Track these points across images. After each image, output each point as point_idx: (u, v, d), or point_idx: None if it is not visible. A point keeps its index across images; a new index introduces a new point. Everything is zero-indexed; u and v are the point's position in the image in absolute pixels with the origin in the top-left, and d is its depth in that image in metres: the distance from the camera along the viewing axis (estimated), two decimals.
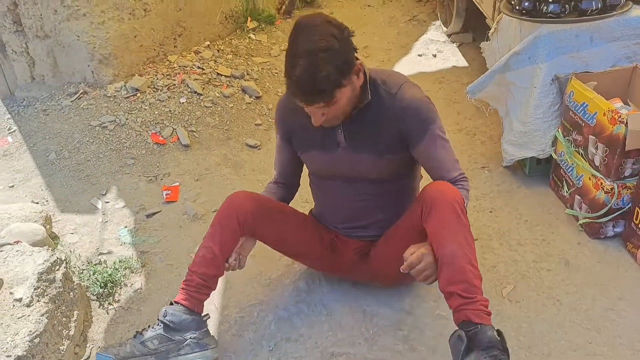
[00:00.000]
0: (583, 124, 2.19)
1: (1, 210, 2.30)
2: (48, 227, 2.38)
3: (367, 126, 1.71)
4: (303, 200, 2.37)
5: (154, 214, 2.51)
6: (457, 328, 1.53)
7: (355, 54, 1.60)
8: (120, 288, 2.12)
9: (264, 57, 3.71)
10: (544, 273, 2.08)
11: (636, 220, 2.08)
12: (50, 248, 2.11)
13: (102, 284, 2.09)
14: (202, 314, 1.79)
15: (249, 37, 3.88)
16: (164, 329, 1.74)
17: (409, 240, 1.68)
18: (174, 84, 3.17)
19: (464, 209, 1.62)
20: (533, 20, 2.31)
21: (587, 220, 2.21)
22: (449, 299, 1.55)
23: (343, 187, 1.84)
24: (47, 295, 1.80)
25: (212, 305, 1.99)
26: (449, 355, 1.63)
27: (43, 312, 1.74)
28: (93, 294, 2.08)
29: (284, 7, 4.39)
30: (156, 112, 3.00)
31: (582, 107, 2.19)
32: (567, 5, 2.27)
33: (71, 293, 1.93)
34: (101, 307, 2.05)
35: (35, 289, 1.78)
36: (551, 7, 2.27)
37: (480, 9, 3.20)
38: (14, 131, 3.06)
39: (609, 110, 2.05)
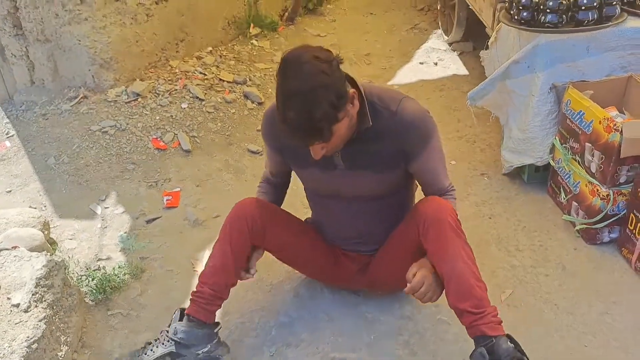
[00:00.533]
0: (580, 132, 2.22)
1: None
2: (46, 232, 2.38)
3: (366, 146, 1.66)
4: (304, 207, 2.38)
5: (154, 219, 2.51)
6: (474, 345, 1.58)
7: (347, 83, 1.54)
8: (119, 294, 2.12)
9: (266, 64, 3.73)
10: (541, 278, 2.10)
11: (631, 226, 2.10)
12: (49, 253, 2.11)
13: (101, 290, 2.09)
14: (214, 324, 1.78)
15: (252, 44, 3.91)
16: (176, 346, 1.73)
17: (406, 254, 1.72)
18: (176, 89, 3.18)
19: (459, 222, 1.65)
20: (531, 30, 2.34)
21: (584, 226, 2.23)
22: (461, 317, 1.60)
23: (341, 204, 1.82)
24: (45, 300, 1.80)
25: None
26: (449, 358, 1.65)
27: (41, 317, 1.74)
28: (91, 300, 2.08)
29: (286, 13, 4.42)
30: (157, 117, 3.01)
31: (578, 115, 2.21)
32: (564, 16, 2.31)
33: (69, 299, 1.93)
34: (100, 313, 2.05)
35: (33, 295, 1.78)
36: (549, 17, 2.30)
37: (481, 19, 3.24)
38: (12, 135, 3.06)
39: (604, 119, 2.08)
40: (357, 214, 1.82)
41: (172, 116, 3.03)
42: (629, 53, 2.36)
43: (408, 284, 1.64)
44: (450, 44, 4.04)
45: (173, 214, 2.55)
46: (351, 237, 1.89)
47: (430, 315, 1.94)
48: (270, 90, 3.47)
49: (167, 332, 1.76)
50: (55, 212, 2.59)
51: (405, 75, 3.77)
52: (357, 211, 1.81)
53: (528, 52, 2.34)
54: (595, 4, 2.28)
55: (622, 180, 2.13)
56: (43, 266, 1.87)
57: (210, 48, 3.67)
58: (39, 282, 1.81)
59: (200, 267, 2.22)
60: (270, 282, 2.12)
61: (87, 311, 2.04)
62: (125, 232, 2.44)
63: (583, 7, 2.29)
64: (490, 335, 1.54)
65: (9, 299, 1.77)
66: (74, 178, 2.76)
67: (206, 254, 2.29)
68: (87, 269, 2.22)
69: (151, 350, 1.75)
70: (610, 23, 2.32)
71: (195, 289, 1.78)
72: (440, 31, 4.25)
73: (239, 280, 1.81)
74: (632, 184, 2.10)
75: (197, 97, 3.15)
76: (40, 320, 1.72)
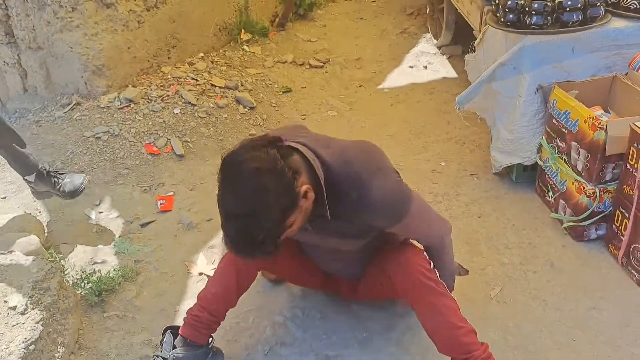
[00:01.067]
0: (566, 131, 2.26)
1: None
2: (41, 237, 2.39)
3: (332, 224, 1.53)
4: None
5: (148, 223, 2.54)
6: None
7: (302, 174, 1.39)
8: (115, 296, 2.14)
9: (257, 69, 3.77)
10: (530, 275, 2.14)
11: (617, 222, 2.15)
12: (44, 257, 2.13)
13: (97, 293, 2.11)
14: (209, 342, 1.79)
15: (243, 49, 3.94)
16: None
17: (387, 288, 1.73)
18: (168, 95, 3.21)
19: (429, 270, 1.62)
20: (517, 31, 2.39)
21: (571, 223, 2.28)
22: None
23: (320, 252, 1.81)
24: (41, 303, 1.82)
25: None
26: (439, 357, 1.68)
27: (38, 319, 1.76)
28: (87, 303, 2.10)
29: (277, 19, 4.45)
30: (150, 123, 3.04)
31: (564, 115, 2.26)
32: (549, 18, 2.36)
33: (65, 301, 1.95)
34: (96, 315, 2.07)
35: (29, 298, 1.80)
36: (534, 19, 2.35)
37: (468, 22, 3.29)
38: None
39: (589, 118, 2.12)
40: (333, 260, 1.83)
41: (164, 121, 3.05)
42: (613, 53, 2.42)
43: None
44: (439, 48, 4.10)
45: (167, 217, 2.57)
46: (335, 271, 1.91)
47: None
48: (261, 95, 3.51)
49: (164, 358, 1.75)
50: (50, 217, 2.60)
51: (396, 79, 3.82)
52: (334, 257, 1.80)
53: (514, 54, 2.39)
54: (579, 6, 2.34)
55: (607, 177, 2.17)
56: (39, 269, 1.90)
57: (201, 54, 3.70)
58: (35, 285, 1.84)
59: (195, 270, 2.26)
60: (264, 284, 2.15)
61: (84, 313, 2.06)
62: (119, 236, 2.46)
63: (567, 9, 2.34)
64: None
65: (5, 301, 1.79)
66: None
67: (200, 257, 2.33)
68: (83, 272, 2.24)
69: None
70: (594, 24, 2.38)
71: (193, 311, 1.76)
72: (429, 35, 4.30)
73: None
74: (618, 181, 2.15)
75: (190, 103, 3.18)
76: (37, 322, 1.74)
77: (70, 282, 2.17)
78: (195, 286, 2.17)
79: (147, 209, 2.62)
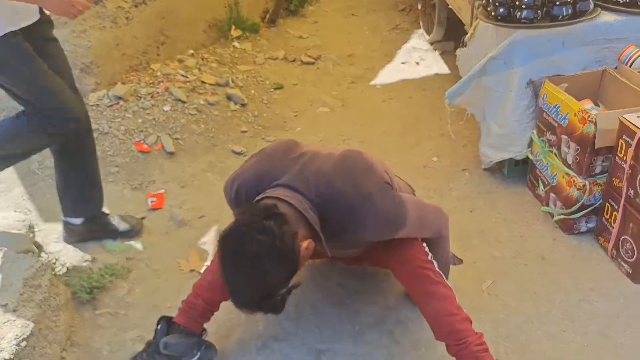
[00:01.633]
0: (556, 125, 2.28)
1: None
2: (31, 235, 2.37)
3: (336, 244, 1.62)
4: None
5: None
6: None
7: (301, 229, 1.45)
8: (106, 293, 2.13)
9: (248, 65, 3.76)
10: (521, 268, 2.15)
11: (606, 215, 2.17)
12: (35, 255, 2.12)
13: (88, 290, 2.10)
14: (203, 332, 1.81)
15: (233, 46, 3.93)
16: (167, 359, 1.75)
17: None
18: (158, 92, 3.19)
19: (427, 260, 1.67)
20: (508, 25, 2.40)
21: (562, 216, 2.29)
22: (448, 349, 1.67)
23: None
24: (32, 300, 1.81)
25: None
26: (431, 348, 1.69)
27: (29, 316, 1.75)
28: (79, 300, 2.09)
29: (268, 15, 4.44)
30: (140, 120, 3.02)
31: (554, 109, 2.27)
32: (539, 12, 2.37)
33: (57, 298, 1.94)
34: (87, 312, 2.06)
35: (20, 295, 1.79)
36: (524, 13, 2.36)
37: (460, 17, 3.30)
38: None
39: (579, 111, 2.14)
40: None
41: (154, 119, 3.04)
42: (603, 47, 2.43)
43: None
44: (431, 44, 4.10)
45: (158, 215, 2.56)
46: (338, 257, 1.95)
47: (413, 305, 1.97)
48: (252, 91, 3.50)
49: (156, 345, 1.76)
50: (40, 216, 2.58)
51: (388, 75, 3.82)
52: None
53: (505, 48, 2.40)
54: None
55: (597, 170, 2.19)
56: (30, 267, 1.89)
57: (191, 51, 3.69)
58: (26, 283, 1.82)
59: (187, 267, 2.25)
60: None
61: (75, 311, 2.05)
62: None
63: (557, 3, 2.36)
64: None
65: None
66: None
67: (192, 254, 2.32)
68: (74, 270, 2.23)
69: None
70: (584, 18, 2.39)
71: (188, 299, 1.79)
72: (421, 31, 4.31)
73: None
74: (607, 174, 2.16)
75: (180, 100, 3.16)
76: (28, 320, 1.73)
77: (61, 279, 2.16)
78: (187, 283, 2.14)
79: (137, 207, 2.61)
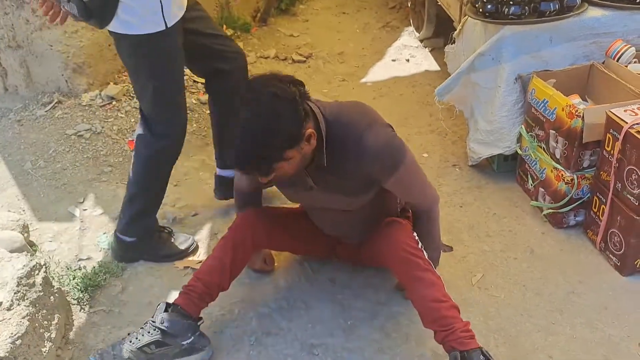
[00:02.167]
0: (544, 120, 2.30)
1: None
2: (26, 235, 2.38)
3: (334, 174, 1.67)
4: None
5: None
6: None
7: (308, 120, 1.54)
8: (101, 292, 2.14)
9: None
10: (510, 261, 2.18)
11: (595, 208, 2.20)
12: (29, 254, 2.13)
13: (82, 288, 2.12)
14: (199, 319, 1.84)
15: None
16: (162, 335, 1.77)
17: None
18: None
19: (415, 248, 1.73)
20: (496, 22, 2.42)
21: (551, 210, 2.32)
22: (435, 336, 1.69)
23: (322, 214, 1.93)
24: (27, 299, 1.82)
25: None
26: (421, 341, 1.72)
27: (24, 315, 1.76)
28: (73, 298, 2.10)
29: (259, 14, 4.44)
30: (132, 120, 3.03)
31: (542, 104, 2.30)
32: (527, 7, 2.39)
33: (51, 297, 1.95)
34: (82, 310, 2.07)
35: (15, 293, 1.80)
36: (512, 9, 2.38)
37: (449, 14, 3.33)
38: None
39: (567, 106, 2.16)
40: (336, 222, 1.93)
41: None
42: (590, 42, 2.46)
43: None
44: (421, 41, 4.13)
45: None
46: (338, 235, 2.01)
47: (404, 300, 2.00)
48: None
49: (153, 321, 1.80)
50: (34, 216, 2.59)
51: (378, 73, 3.84)
52: (335, 215, 1.89)
53: (493, 44, 2.43)
54: None
55: (585, 164, 2.22)
56: (24, 266, 1.89)
57: None
58: (21, 281, 1.83)
59: (181, 264, 2.27)
60: (249, 276, 2.16)
61: (70, 309, 2.07)
62: (104, 233, 2.46)
63: None
64: (461, 349, 1.62)
65: None
66: (51, 182, 2.76)
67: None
68: (68, 268, 2.24)
69: (136, 338, 1.79)
70: (571, 13, 2.41)
71: (188, 283, 1.85)
72: (411, 28, 4.33)
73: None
74: (595, 168, 2.19)
75: None
76: (23, 318, 1.74)
77: (56, 278, 2.17)
78: (181, 280, 2.17)
79: None
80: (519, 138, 2.51)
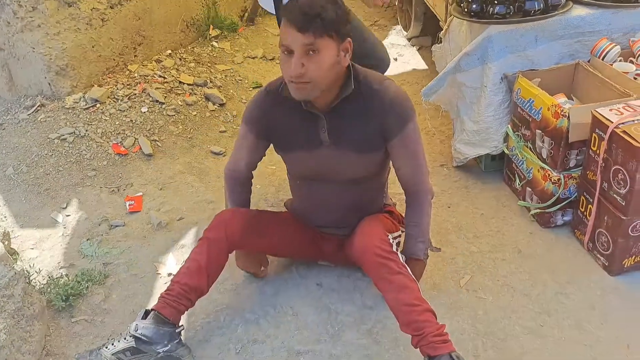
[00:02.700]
0: (530, 119, 2.29)
1: None
2: (7, 243, 2.35)
3: (349, 120, 1.76)
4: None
5: (117, 225, 2.50)
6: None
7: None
8: (83, 300, 2.11)
9: (227, 65, 3.73)
10: (498, 262, 2.17)
11: (582, 208, 2.19)
12: (8, 264, 2.09)
13: (64, 297, 2.07)
14: (177, 325, 1.80)
15: (212, 45, 3.90)
16: (136, 342, 1.75)
17: None
18: (135, 94, 3.16)
19: (388, 251, 1.73)
20: (481, 21, 2.40)
21: (538, 210, 2.31)
22: (411, 340, 1.68)
23: (321, 188, 1.91)
24: (5, 311, 1.78)
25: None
26: (410, 347, 1.69)
27: (1, 327, 1.72)
28: (55, 308, 2.06)
29: (246, 14, 4.41)
30: (117, 123, 2.99)
31: (528, 103, 2.29)
32: (512, 7, 2.37)
33: (31, 307, 1.91)
34: (63, 320, 2.03)
35: None
36: (497, 8, 2.36)
37: (435, 13, 3.31)
38: None
39: (552, 105, 2.15)
40: (335, 199, 1.92)
41: (132, 121, 3.01)
42: (575, 41, 2.45)
43: None
44: (409, 40, 4.12)
45: (136, 218, 2.54)
46: (328, 222, 1.99)
47: None
48: (231, 91, 3.48)
49: (129, 328, 1.77)
50: (16, 222, 2.55)
51: None
52: (332, 193, 1.90)
53: (478, 44, 2.41)
54: None
55: (571, 164, 2.21)
56: (2, 276, 1.85)
57: (169, 51, 3.66)
58: None
59: (165, 271, 2.24)
60: (235, 282, 2.14)
61: (51, 319, 2.03)
62: (87, 239, 2.42)
63: None
64: (432, 355, 1.61)
65: None
66: (33, 187, 2.72)
67: (170, 257, 2.30)
68: (50, 277, 2.20)
69: (112, 344, 1.77)
70: (556, 12, 2.39)
71: (166, 289, 1.83)
72: (399, 27, 4.32)
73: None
74: (582, 167, 2.18)
75: (157, 101, 3.13)
76: (0, 331, 1.70)
77: (37, 287, 2.13)
78: (165, 287, 2.14)
79: (115, 211, 2.58)
80: (506, 138, 2.50)
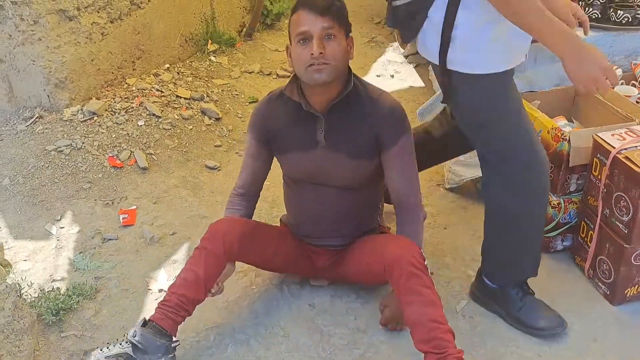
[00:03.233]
0: None
1: None
2: (0, 254, 2.32)
3: (347, 123, 1.79)
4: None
5: (110, 238, 2.47)
6: None
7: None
8: (73, 315, 2.07)
9: (224, 79, 3.73)
10: None
11: (582, 234, 2.15)
12: (0, 277, 2.06)
13: (54, 312, 2.04)
14: (174, 339, 1.78)
15: (210, 60, 3.90)
16: (132, 349, 1.73)
17: (372, 275, 1.87)
18: (132, 107, 3.15)
19: (423, 265, 1.71)
20: None
21: None
22: (426, 358, 1.63)
23: (315, 194, 1.90)
24: None
25: None
26: None
27: None
28: (45, 322, 2.03)
29: (244, 29, 4.42)
30: (113, 136, 2.98)
31: None
32: None
33: (21, 322, 1.87)
34: (53, 335, 2.00)
35: None
36: None
37: None
38: None
39: (552, 128, 2.13)
40: (328, 205, 1.90)
41: (128, 134, 3.00)
42: None
43: (381, 316, 1.92)
44: (406, 57, 4.12)
45: (129, 232, 2.51)
46: (322, 231, 1.96)
47: (385, 328, 1.95)
48: (228, 105, 3.47)
49: (127, 334, 1.76)
50: (10, 234, 2.53)
51: None
52: (326, 200, 1.90)
53: None
54: None
55: (572, 188, 2.18)
56: None
57: (167, 65, 3.66)
58: None
59: (156, 286, 2.20)
60: (226, 299, 2.10)
61: (40, 334, 1.99)
62: (80, 252, 2.40)
63: None
64: None
65: None
66: (29, 198, 2.70)
67: (162, 273, 2.27)
68: (41, 290, 2.17)
69: (107, 347, 1.76)
70: None
71: (162, 299, 1.81)
72: (396, 44, 4.32)
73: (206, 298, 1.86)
74: (582, 192, 2.15)
75: (154, 115, 3.13)
76: None
77: (28, 300, 2.10)
78: (155, 303, 2.10)
79: (109, 224, 2.55)
80: None
